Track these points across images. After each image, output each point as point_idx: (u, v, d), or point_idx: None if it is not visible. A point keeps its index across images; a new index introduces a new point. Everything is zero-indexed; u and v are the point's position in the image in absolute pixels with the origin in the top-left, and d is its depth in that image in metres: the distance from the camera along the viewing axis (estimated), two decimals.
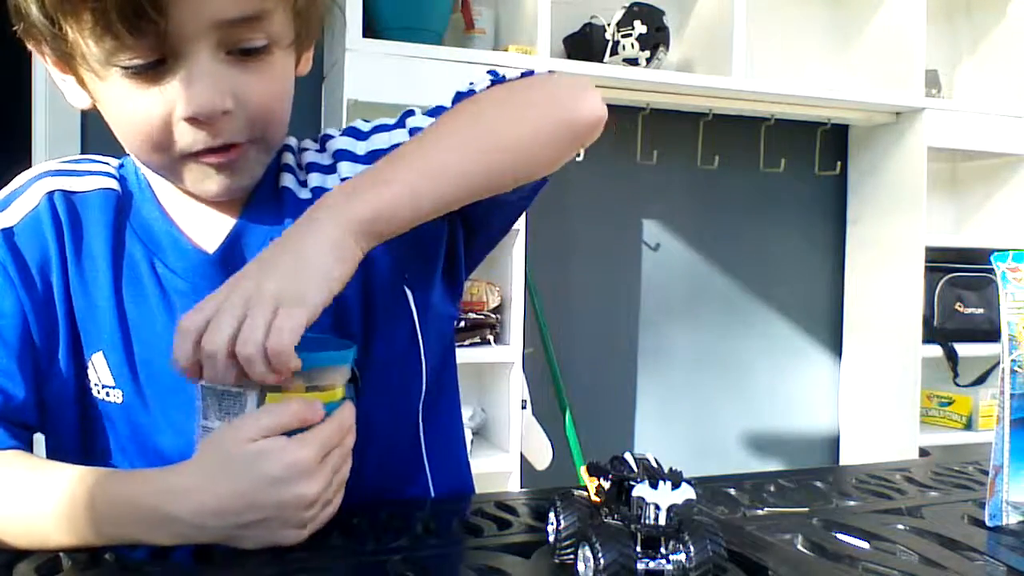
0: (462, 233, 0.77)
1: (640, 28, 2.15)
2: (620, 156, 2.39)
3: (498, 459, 2.01)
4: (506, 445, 2.02)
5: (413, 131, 0.75)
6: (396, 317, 0.73)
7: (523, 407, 2.04)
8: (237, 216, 0.72)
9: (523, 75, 0.72)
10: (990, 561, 0.55)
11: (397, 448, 0.77)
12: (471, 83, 0.74)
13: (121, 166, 0.75)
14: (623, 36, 2.16)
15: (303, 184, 0.75)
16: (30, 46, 0.65)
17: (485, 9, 2.15)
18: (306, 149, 0.78)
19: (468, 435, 2.02)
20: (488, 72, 0.74)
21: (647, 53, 2.17)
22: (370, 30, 1.91)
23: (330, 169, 0.76)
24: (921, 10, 2.35)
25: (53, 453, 0.70)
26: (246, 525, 0.55)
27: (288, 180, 0.75)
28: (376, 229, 0.59)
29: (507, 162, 0.67)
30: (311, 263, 0.56)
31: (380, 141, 0.76)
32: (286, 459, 0.54)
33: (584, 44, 2.21)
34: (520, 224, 1.98)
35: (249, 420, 0.56)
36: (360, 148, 0.76)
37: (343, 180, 0.73)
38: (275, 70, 0.66)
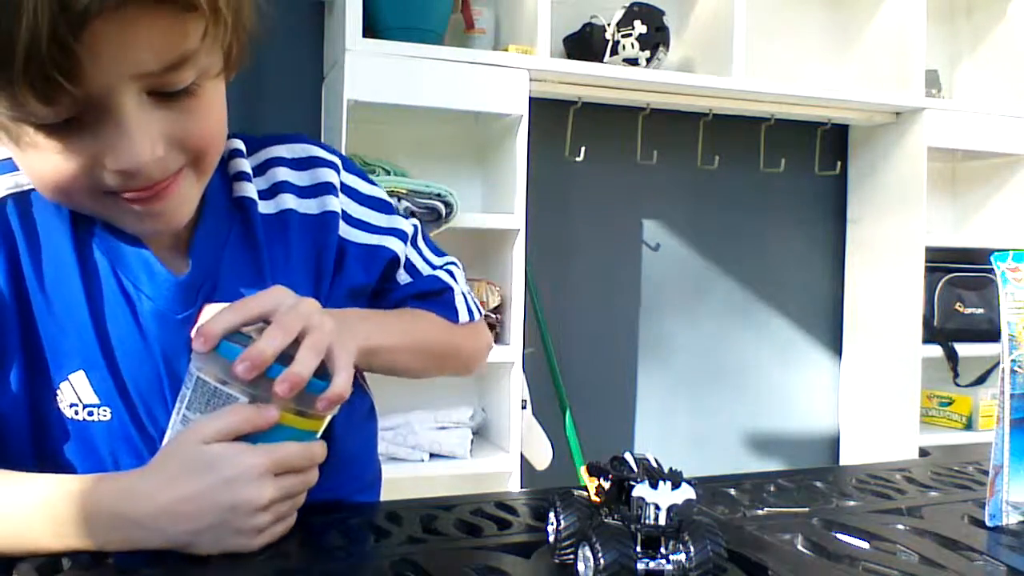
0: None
1: (640, 28, 2.15)
2: (620, 156, 2.39)
3: (498, 459, 2.01)
4: (506, 445, 2.02)
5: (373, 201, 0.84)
6: None
7: (523, 407, 2.04)
8: (192, 228, 0.71)
9: (471, 319, 0.89)
10: (990, 561, 0.55)
11: (352, 443, 0.79)
12: (458, 305, 0.87)
13: None
14: (623, 36, 2.16)
15: (268, 197, 0.75)
16: None
17: (485, 9, 2.15)
18: (280, 162, 0.78)
19: (468, 435, 2.02)
20: (467, 310, 0.89)
21: (647, 53, 2.16)
22: (370, 30, 1.91)
23: (312, 193, 0.77)
24: (921, 10, 2.35)
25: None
26: (200, 531, 0.56)
27: (246, 189, 0.74)
28: (367, 358, 0.71)
29: (426, 360, 0.84)
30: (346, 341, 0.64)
31: (378, 219, 0.83)
32: (239, 463, 0.56)
33: (584, 44, 2.20)
34: (520, 224, 1.98)
35: (204, 423, 0.57)
36: (364, 189, 0.83)
37: (327, 212, 0.78)
38: (207, 102, 0.62)
